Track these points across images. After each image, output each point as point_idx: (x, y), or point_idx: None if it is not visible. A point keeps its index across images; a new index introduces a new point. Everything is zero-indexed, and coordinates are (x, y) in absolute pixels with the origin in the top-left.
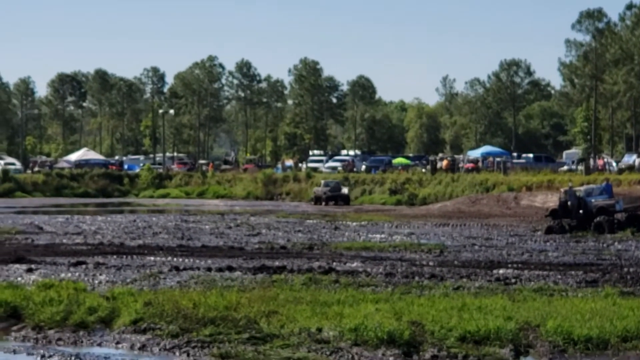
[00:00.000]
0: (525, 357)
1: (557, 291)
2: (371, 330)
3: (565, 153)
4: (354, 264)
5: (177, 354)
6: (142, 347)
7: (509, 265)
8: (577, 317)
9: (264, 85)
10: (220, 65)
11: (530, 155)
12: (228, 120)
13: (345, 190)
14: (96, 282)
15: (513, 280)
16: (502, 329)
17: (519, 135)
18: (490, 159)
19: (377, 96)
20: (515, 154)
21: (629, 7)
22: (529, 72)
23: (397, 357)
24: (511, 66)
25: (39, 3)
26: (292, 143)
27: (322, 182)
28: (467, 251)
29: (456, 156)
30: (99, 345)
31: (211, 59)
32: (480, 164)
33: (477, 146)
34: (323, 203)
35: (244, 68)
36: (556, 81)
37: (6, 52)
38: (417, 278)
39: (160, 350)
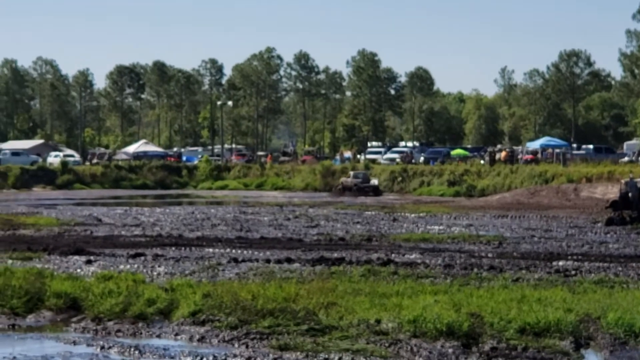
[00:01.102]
0: (586, 350)
1: (617, 283)
2: (430, 322)
3: (625, 144)
4: (413, 256)
5: (236, 345)
6: (201, 339)
7: (569, 257)
8: (638, 309)
9: (322, 76)
10: (279, 57)
11: (590, 146)
12: (286, 111)
13: (375, 181)
14: (155, 273)
15: (573, 272)
16: (562, 321)
17: (579, 126)
18: (550, 150)
19: (435, 88)
20: (574, 145)
21: None
22: (589, 63)
23: (456, 349)
24: (571, 57)
25: None
26: (350, 134)
27: (352, 173)
28: (527, 243)
29: (515, 147)
30: (158, 336)
31: (269, 50)
32: (539, 155)
33: (536, 137)
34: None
35: (302, 60)
36: (616, 72)
37: (65, 44)
38: (476, 269)
39: (219, 341)
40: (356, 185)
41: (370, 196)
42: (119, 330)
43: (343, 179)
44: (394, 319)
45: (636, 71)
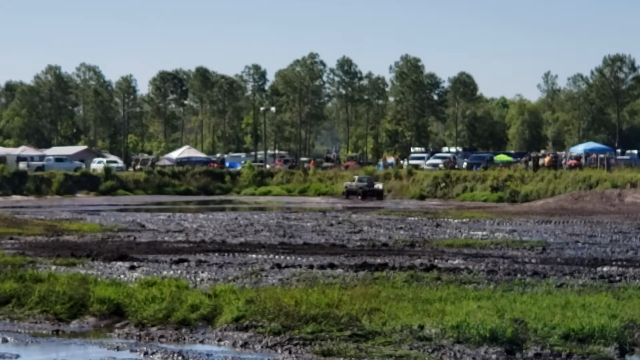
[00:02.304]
0: (631, 356)
1: None
2: (473, 328)
3: None
4: (456, 261)
5: (279, 351)
6: (244, 345)
7: (613, 263)
8: None
9: (365, 82)
10: (322, 63)
11: (635, 151)
12: (329, 117)
13: (379, 185)
14: (198, 279)
15: (617, 278)
16: (606, 327)
17: (623, 131)
18: (594, 155)
19: (478, 93)
20: (619, 150)
21: None
22: (633, 68)
23: (500, 355)
24: (615, 61)
25: (140, 2)
26: (393, 140)
27: (356, 177)
28: (570, 248)
29: (558, 153)
30: (202, 342)
31: (312, 56)
32: (583, 160)
33: (580, 142)
34: (359, 197)
35: (345, 65)
36: None
37: (108, 50)
38: (519, 275)
39: (262, 347)
40: (361, 188)
41: (374, 200)
42: (162, 336)
43: (347, 183)
44: (437, 324)
45: None
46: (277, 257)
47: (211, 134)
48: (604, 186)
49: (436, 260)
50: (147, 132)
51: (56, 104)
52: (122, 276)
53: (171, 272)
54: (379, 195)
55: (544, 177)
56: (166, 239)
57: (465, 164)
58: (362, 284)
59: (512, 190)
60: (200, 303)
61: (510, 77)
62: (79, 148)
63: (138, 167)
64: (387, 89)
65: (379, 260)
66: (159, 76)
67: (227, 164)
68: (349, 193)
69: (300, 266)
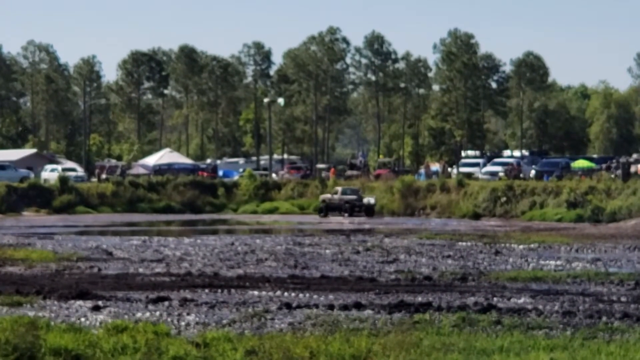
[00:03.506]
0: None
1: None
2: None
3: None
4: (521, 300)
5: None
6: None
7: None
8: None
9: (401, 65)
10: (344, 40)
11: None
12: (354, 111)
13: (370, 199)
14: (183, 324)
15: None
16: None
17: None
18: None
19: (549, 79)
20: None
21: None
22: None
23: None
24: None
25: None
26: (438, 141)
27: (339, 189)
28: None
29: None
30: None
31: (332, 31)
32: None
33: None
34: (345, 214)
35: (375, 43)
36: None
37: (64, 25)
38: (605, 318)
39: None
40: (348, 202)
41: (362, 217)
42: None
43: (324, 196)
44: None
45: None
46: (286, 294)
47: (199, 134)
48: None
49: (495, 299)
50: (115, 130)
51: None
52: (82, 319)
53: (147, 313)
54: (369, 211)
55: (636, 189)
56: (141, 270)
57: (533, 172)
58: (398, 330)
59: (594, 207)
60: (186, 355)
61: (591, 59)
62: (26, 152)
63: (104, 176)
64: (431, 75)
65: (419, 299)
66: (130, 58)
67: (220, 173)
68: (328, 209)
69: (316, 306)
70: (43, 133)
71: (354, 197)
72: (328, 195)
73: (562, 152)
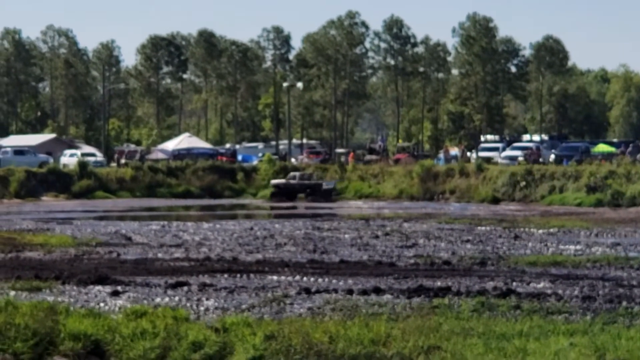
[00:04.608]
0: None
1: None
2: None
3: None
4: (541, 285)
5: None
6: None
7: None
8: None
9: (420, 49)
10: (363, 24)
11: None
12: (373, 96)
13: (330, 184)
14: (202, 308)
15: None
16: None
17: None
18: None
19: (569, 63)
20: None
21: None
22: None
23: None
24: None
25: None
26: (457, 125)
27: (297, 174)
28: None
29: None
30: None
31: (351, 15)
32: None
33: None
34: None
35: (394, 27)
36: None
37: (83, 10)
38: (625, 303)
39: None
40: (309, 187)
41: (319, 201)
42: None
43: (277, 181)
44: None
45: None
46: (305, 279)
47: (219, 118)
48: None
49: (514, 283)
50: (134, 115)
51: (15, 79)
52: (101, 304)
53: (166, 299)
54: (327, 195)
55: None
56: (160, 255)
57: (552, 156)
58: (417, 315)
59: (614, 191)
60: (205, 340)
61: (611, 43)
62: (45, 137)
63: (123, 161)
64: (450, 59)
65: (439, 284)
66: (149, 42)
67: (239, 158)
68: (281, 194)
69: (335, 291)
70: (62, 118)
71: (310, 181)
72: (282, 181)
73: (581, 137)
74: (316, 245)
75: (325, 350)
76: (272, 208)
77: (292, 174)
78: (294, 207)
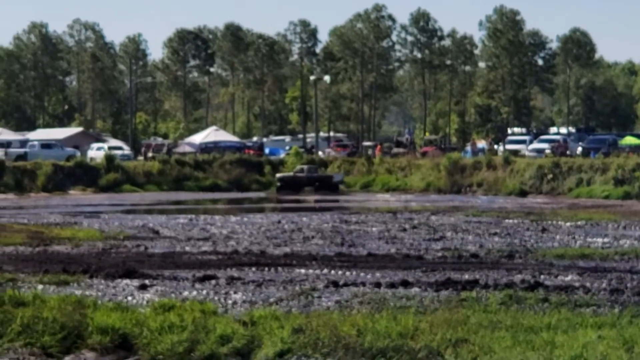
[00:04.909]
0: None
1: None
2: None
3: None
4: (569, 277)
5: None
6: None
7: None
8: None
9: (447, 42)
10: (390, 17)
11: None
12: (400, 89)
13: (337, 177)
14: (229, 302)
15: None
16: None
17: None
18: None
19: (596, 56)
20: None
21: None
22: None
23: None
24: None
25: None
26: (485, 118)
27: (305, 167)
28: None
29: None
30: None
31: (378, 8)
32: None
33: None
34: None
35: (421, 20)
36: None
37: (110, 3)
38: None
39: None
40: (314, 179)
41: (327, 194)
42: None
43: (282, 175)
44: None
45: None
46: (333, 272)
47: (245, 112)
48: None
49: (542, 276)
50: (161, 109)
51: (42, 73)
52: (129, 298)
53: (194, 292)
54: (335, 187)
55: None
56: (187, 249)
57: (580, 149)
58: (445, 308)
59: None
60: (233, 333)
61: (639, 36)
62: (73, 130)
63: (150, 155)
64: (477, 52)
65: (466, 276)
66: (176, 36)
67: (266, 151)
68: (287, 187)
69: (363, 284)
70: (89, 112)
71: (320, 174)
72: (288, 174)
73: (609, 129)
74: (344, 238)
75: (353, 343)
76: (295, 201)
77: (298, 167)
78: (318, 201)
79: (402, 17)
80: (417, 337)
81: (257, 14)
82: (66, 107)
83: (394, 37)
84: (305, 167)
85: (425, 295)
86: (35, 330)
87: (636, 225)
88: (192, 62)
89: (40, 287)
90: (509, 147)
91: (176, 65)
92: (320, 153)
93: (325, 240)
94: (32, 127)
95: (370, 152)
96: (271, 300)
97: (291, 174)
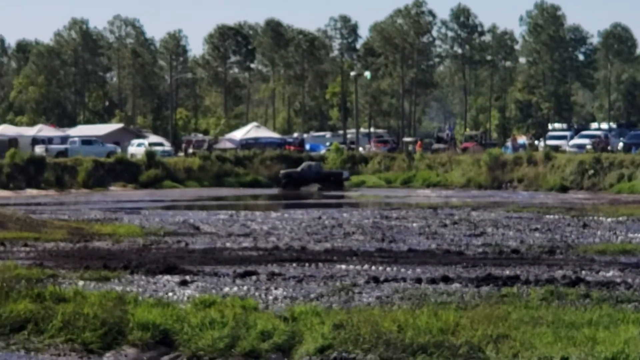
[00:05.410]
0: None
1: None
2: None
3: None
4: (610, 273)
5: None
6: None
7: None
8: None
9: (487, 38)
10: (431, 13)
11: None
12: (441, 85)
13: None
14: (270, 298)
15: None
16: None
17: None
18: None
19: (638, 51)
20: None
21: None
22: None
23: None
24: None
25: None
26: (525, 114)
27: (311, 164)
28: None
29: None
30: None
31: (418, 4)
32: None
33: None
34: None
35: (461, 16)
36: None
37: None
38: None
39: None
40: (322, 175)
41: (333, 190)
42: None
43: (287, 171)
44: (586, 356)
45: None
46: (373, 268)
47: (286, 108)
48: None
49: (584, 272)
50: (201, 105)
51: (83, 69)
52: (170, 294)
53: (235, 288)
54: (340, 184)
55: None
56: (228, 245)
57: (621, 144)
58: (486, 303)
59: None
60: (274, 329)
61: None
62: (113, 127)
63: (190, 151)
64: (517, 47)
65: (507, 272)
66: (216, 32)
67: (307, 147)
68: (291, 183)
69: (404, 280)
70: (130, 108)
71: (324, 171)
72: (294, 170)
73: None
74: (384, 234)
75: (394, 339)
76: (322, 197)
77: (305, 163)
78: (342, 196)
79: (443, 12)
80: (458, 333)
81: (298, 9)
82: (106, 103)
83: (434, 33)
84: (313, 164)
85: (466, 291)
86: (76, 326)
87: None
88: (233, 58)
89: (81, 283)
90: (550, 142)
91: (217, 61)
92: (360, 149)
93: (365, 236)
94: (73, 123)
95: (410, 147)
96: (312, 296)
97: (298, 169)
